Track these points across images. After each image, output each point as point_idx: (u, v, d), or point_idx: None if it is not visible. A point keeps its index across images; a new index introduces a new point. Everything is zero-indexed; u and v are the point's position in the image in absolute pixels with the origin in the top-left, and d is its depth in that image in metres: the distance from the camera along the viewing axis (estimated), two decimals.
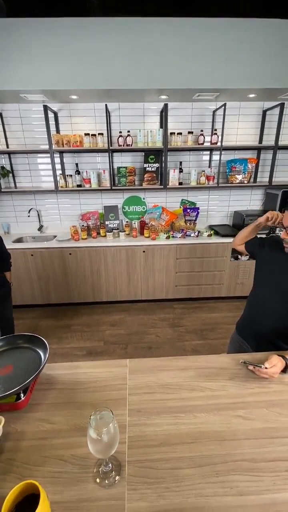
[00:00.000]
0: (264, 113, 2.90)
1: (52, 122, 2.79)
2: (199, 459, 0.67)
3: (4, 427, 0.72)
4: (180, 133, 2.79)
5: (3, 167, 2.93)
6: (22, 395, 0.80)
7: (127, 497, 0.60)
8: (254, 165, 2.97)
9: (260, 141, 2.98)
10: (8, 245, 2.76)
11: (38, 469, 0.65)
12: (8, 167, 2.98)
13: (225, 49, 2.35)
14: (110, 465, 0.64)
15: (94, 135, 2.77)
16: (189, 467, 0.65)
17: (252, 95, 2.66)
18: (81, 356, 2.34)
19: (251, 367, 0.93)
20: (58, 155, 2.94)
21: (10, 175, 3.00)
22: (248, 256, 2.97)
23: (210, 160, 3.05)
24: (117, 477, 0.63)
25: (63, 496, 0.60)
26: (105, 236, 2.98)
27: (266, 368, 0.88)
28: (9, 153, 2.94)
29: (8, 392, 0.73)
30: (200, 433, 0.73)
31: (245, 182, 2.95)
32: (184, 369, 0.96)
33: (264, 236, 1.36)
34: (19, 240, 3.03)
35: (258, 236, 1.37)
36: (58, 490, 0.61)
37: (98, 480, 0.63)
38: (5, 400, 0.78)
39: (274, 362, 0.89)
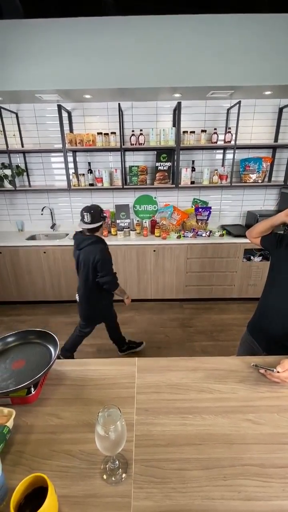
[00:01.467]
0: (280, 110, 2.82)
1: (65, 121, 2.82)
2: (207, 461, 0.66)
3: (15, 420, 0.74)
4: (193, 132, 2.76)
5: (18, 166, 3.00)
6: (32, 389, 0.82)
7: (133, 495, 0.60)
8: (269, 164, 2.90)
9: (276, 139, 2.91)
10: (22, 242, 2.84)
11: (46, 462, 0.67)
12: (22, 166, 3.04)
13: (240, 46, 2.30)
14: (117, 462, 0.65)
15: (107, 134, 2.78)
16: (196, 469, 0.65)
17: (268, 92, 2.60)
18: (91, 353, 2.36)
19: (262, 371, 0.91)
20: (71, 154, 2.98)
21: (25, 173, 3.06)
22: (261, 257, 2.91)
23: (223, 159, 3.01)
24: (123, 475, 0.64)
25: (71, 490, 0.61)
26: (116, 235, 2.99)
27: (278, 372, 0.86)
28: (24, 152, 3.00)
29: (20, 386, 0.74)
30: (208, 435, 0.73)
31: (259, 181, 2.89)
32: (193, 370, 0.96)
33: (281, 232, 1.32)
34: (32, 237, 3.10)
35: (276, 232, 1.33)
36: (65, 484, 0.62)
37: (105, 476, 0.63)
38: (16, 393, 0.80)
39: (286, 367, 0.87)
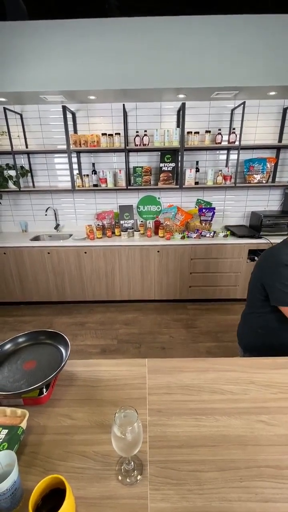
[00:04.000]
0: (284, 111, 2.82)
1: (70, 122, 2.83)
2: (222, 463, 0.66)
3: (27, 421, 0.74)
4: (197, 132, 2.77)
5: (22, 167, 3.01)
6: (44, 390, 0.82)
7: (150, 497, 0.59)
8: (273, 164, 2.90)
9: (280, 139, 2.91)
10: (26, 243, 2.85)
11: (60, 463, 0.66)
12: (27, 167, 3.05)
13: (244, 46, 2.30)
14: (132, 463, 0.65)
15: (111, 135, 2.79)
16: (212, 470, 0.64)
17: (272, 93, 2.60)
18: (95, 353, 2.36)
19: None
20: (75, 155, 2.98)
21: (29, 174, 3.07)
22: None
23: (227, 160, 3.00)
24: (139, 476, 0.63)
25: (86, 492, 0.60)
26: (119, 235, 2.99)
27: None
28: (28, 153, 3.01)
29: (33, 387, 0.74)
30: (222, 436, 0.72)
31: (264, 182, 2.89)
32: (204, 371, 0.95)
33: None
34: (36, 238, 3.10)
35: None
36: (81, 486, 0.61)
37: (120, 478, 0.63)
38: (28, 394, 0.79)
39: None
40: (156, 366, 0.98)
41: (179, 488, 0.61)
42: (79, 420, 0.78)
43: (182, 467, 0.65)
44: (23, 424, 0.71)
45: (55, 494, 0.55)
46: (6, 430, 0.68)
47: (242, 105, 2.60)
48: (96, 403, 0.83)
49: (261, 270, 1.25)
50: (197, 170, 2.92)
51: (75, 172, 3.00)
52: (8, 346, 0.93)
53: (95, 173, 2.97)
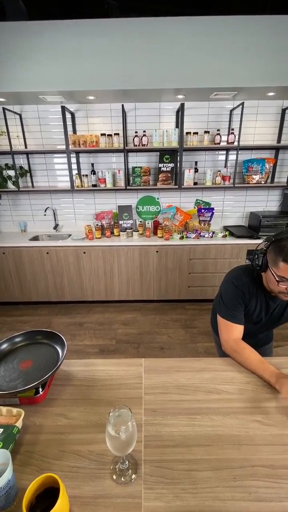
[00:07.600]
0: (283, 111, 2.82)
1: (69, 122, 2.83)
2: (216, 462, 0.66)
3: (23, 420, 0.74)
4: (196, 133, 2.77)
5: (21, 167, 3.01)
6: (40, 389, 0.82)
7: (144, 496, 0.60)
8: (271, 165, 2.90)
9: (279, 140, 2.91)
10: (25, 243, 2.85)
11: (55, 463, 0.67)
12: (26, 167, 3.05)
13: (243, 47, 2.30)
14: (126, 463, 0.65)
15: (110, 135, 2.79)
16: (206, 469, 0.65)
17: (271, 93, 2.60)
18: (93, 353, 2.36)
19: None
20: (75, 155, 2.99)
21: (28, 174, 3.07)
22: None
23: (226, 160, 3.00)
24: (133, 476, 0.63)
25: (81, 491, 0.61)
26: (118, 235, 3.00)
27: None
28: (27, 153, 3.01)
29: (28, 386, 0.75)
30: (217, 436, 0.72)
31: (262, 182, 2.89)
32: (200, 371, 0.96)
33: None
34: (35, 238, 3.10)
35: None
36: (75, 485, 0.62)
37: (114, 477, 0.63)
38: (24, 393, 0.80)
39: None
40: (152, 366, 0.98)
41: (173, 487, 0.61)
42: (74, 419, 0.78)
43: (177, 466, 0.66)
44: (19, 423, 0.71)
45: (49, 493, 0.55)
46: (1, 429, 0.68)
47: (241, 106, 2.60)
48: (92, 403, 0.83)
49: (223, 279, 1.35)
50: (196, 170, 2.92)
51: (74, 172, 3.00)
52: (4, 346, 0.94)
53: (94, 173, 2.97)
